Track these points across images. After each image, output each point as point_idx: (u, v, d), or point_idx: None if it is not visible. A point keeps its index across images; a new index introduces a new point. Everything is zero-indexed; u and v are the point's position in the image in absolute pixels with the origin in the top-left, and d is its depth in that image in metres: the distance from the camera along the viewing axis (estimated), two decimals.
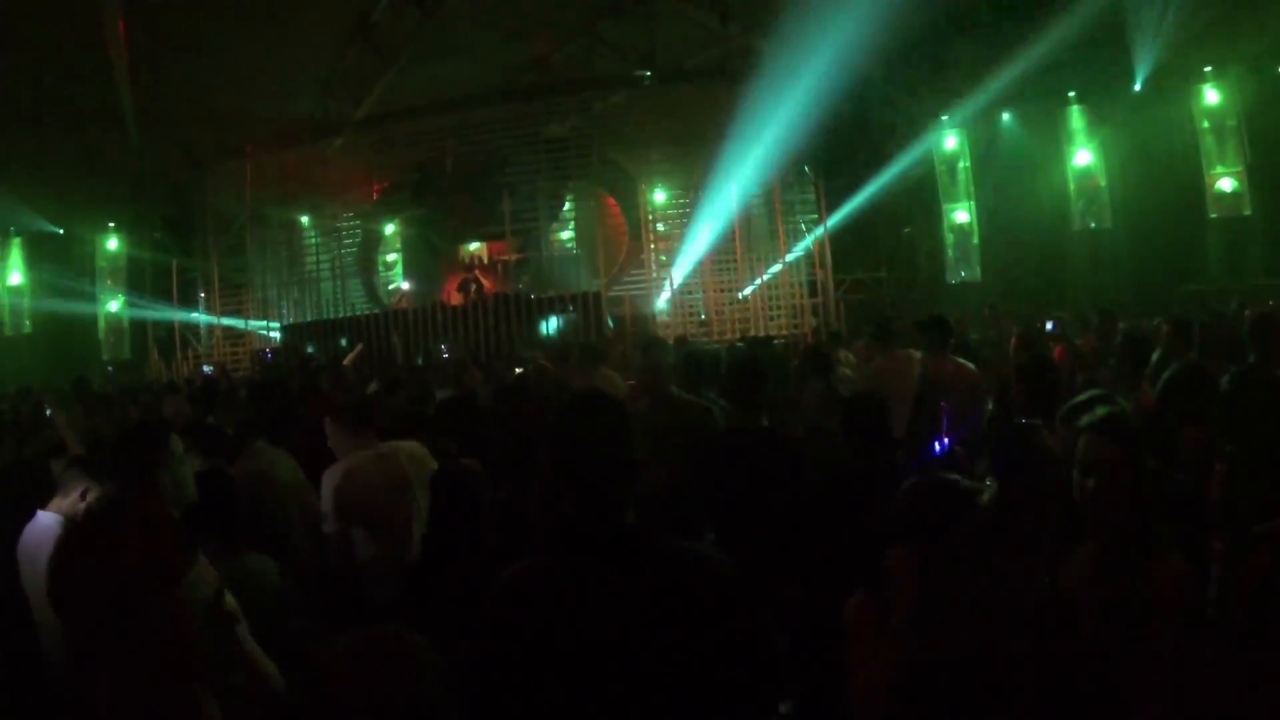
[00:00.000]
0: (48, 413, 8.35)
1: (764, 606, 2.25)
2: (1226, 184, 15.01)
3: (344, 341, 15.61)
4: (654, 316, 16.60)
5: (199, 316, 20.12)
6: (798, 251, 17.22)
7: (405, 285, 19.75)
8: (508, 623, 1.99)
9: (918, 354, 7.59)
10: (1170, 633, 2.38)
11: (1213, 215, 15.02)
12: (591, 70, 18.35)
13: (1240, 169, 14.97)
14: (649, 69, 17.66)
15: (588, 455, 2.03)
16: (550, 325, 15.12)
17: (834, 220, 16.75)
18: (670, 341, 10.42)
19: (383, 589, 4.55)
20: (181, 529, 1.63)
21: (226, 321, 19.83)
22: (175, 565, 1.59)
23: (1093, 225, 16.14)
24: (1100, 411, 2.73)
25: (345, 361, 11.50)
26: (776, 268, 17.20)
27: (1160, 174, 15.19)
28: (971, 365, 7.05)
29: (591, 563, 1.98)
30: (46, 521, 4.01)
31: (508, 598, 2.02)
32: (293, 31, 18.35)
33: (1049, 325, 11.58)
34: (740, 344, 12.35)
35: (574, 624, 1.94)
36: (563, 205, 18.82)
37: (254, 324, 19.73)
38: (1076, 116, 16.12)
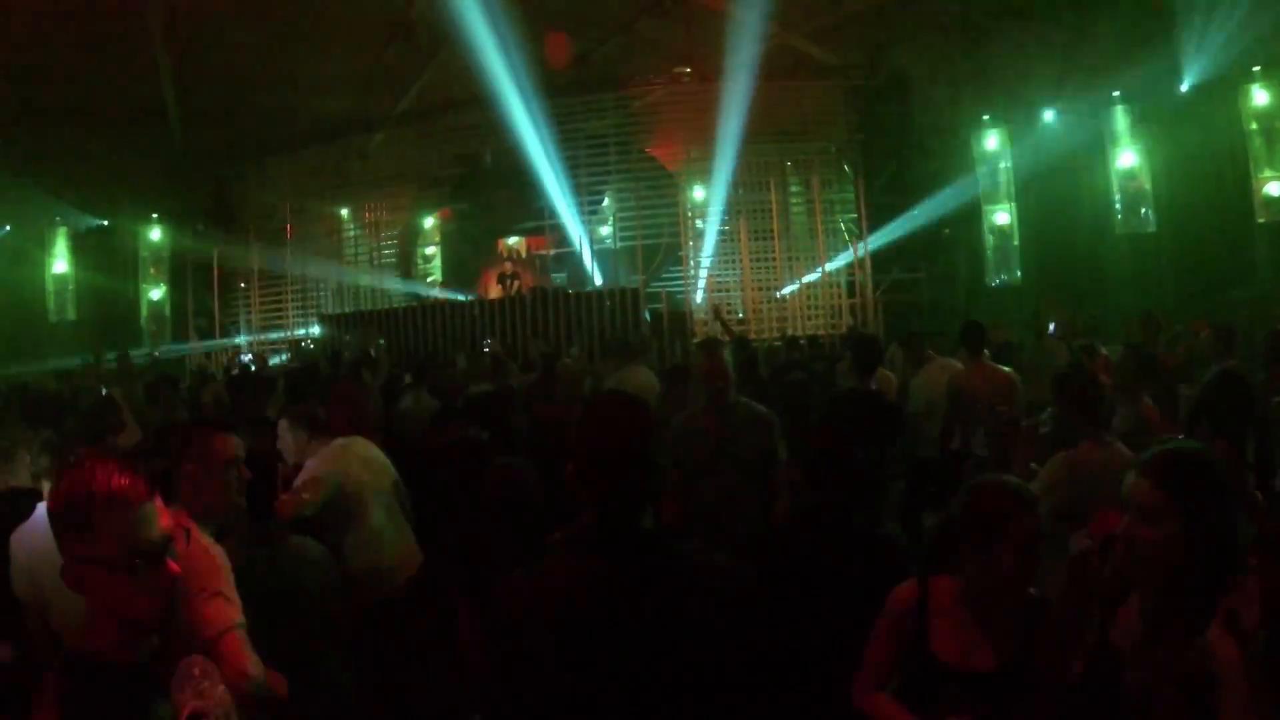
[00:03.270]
0: (103, 391, 8.48)
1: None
2: (1275, 188, 14.68)
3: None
4: (691, 314, 16.57)
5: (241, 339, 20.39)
6: (838, 262, 17.10)
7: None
8: (518, 620, 1.98)
9: (958, 364, 7.56)
10: (1233, 714, 2.06)
11: (1260, 220, 14.69)
12: (631, 67, 18.37)
13: None
14: (688, 67, 17.67)
15: (606, 458, 2.02)
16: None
17: (874, 220, 16.65)
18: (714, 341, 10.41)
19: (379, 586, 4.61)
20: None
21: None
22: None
23: (1136, 228, 15.90)
24: (1159, 448, 2.37)
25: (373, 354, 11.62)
26: (815, 276, 17.12)
27: (1206, 177, 14.91)
28: (1006, 370, 6.98)
29: (603, 565, 1.97)
30: None
31: (520, 596, 2.01)
32: (334, 27, 18.49)
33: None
34: (779, 343, 12.33)
35: (583, 625, 1.93)
36: (601, 201, 18.83)
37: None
38: (1121, 117, 15.88)
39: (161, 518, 1.79)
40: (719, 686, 1.91)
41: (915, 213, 16.65)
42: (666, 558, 2.01)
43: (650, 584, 1.94)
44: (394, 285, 19.72)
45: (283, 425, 4.65)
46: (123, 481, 1.74)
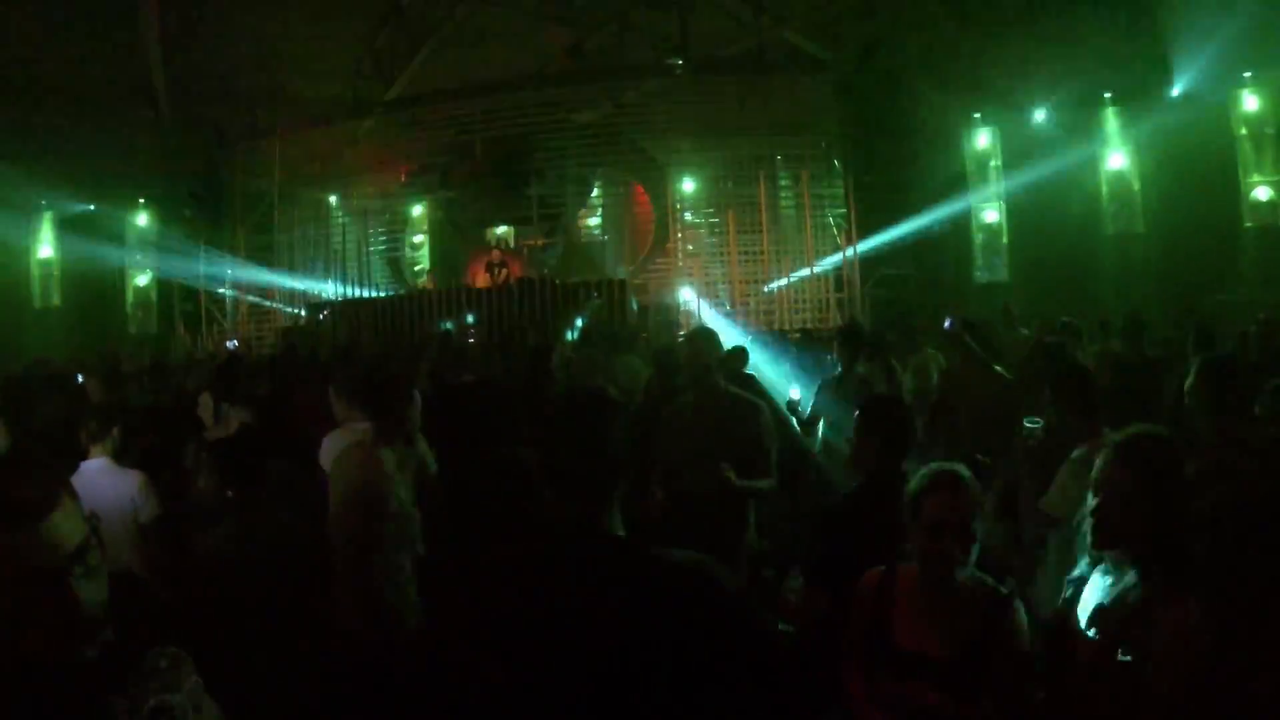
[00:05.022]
0: (79, 379, 8.47)
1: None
2: (1263, 193, 14.77)
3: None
4: (679, 305, 16.55)
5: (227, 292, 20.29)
6: (827, 263, 17.09)
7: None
8: (475, 612, 1.98)
9: (940, 355, 7.57)
10: (1169, 686, 2.14)
11: (1248, 224, 14.78)
12: (623, 58, 18.31)
13: (1278, 178, 14.74)
14: (681, 58, 17.61)
15: (565, 455, 2.01)
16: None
17: (863, 216, 16.64)
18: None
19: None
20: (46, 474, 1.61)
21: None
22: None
23: (1124, 229, 15.96)
24: (1129, 431, 2.47)
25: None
26: (805, 273, 17.13)
27: (1195, 180, 14.95)
28: (997, 370, 6.99)
29: (558, 566, 1.95)
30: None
31: (476, 588, 2.01)
32: (325, 12, 18.39)
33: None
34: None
35: (535, 619, 1.91)
36: (590, 192, 18.78)
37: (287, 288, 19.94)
38: (1111, 118, 15.93)
39: (62, 536, 1.56)
40: (672, 701, 1.85)
41: (904, 209, 16.68)
42: (629, 562, 1.96)
43: (605, 589, 1.90)
44: (380, 272, 19.65)
45: (331, 391, 4.98)
46: (22, 494, 1.54)
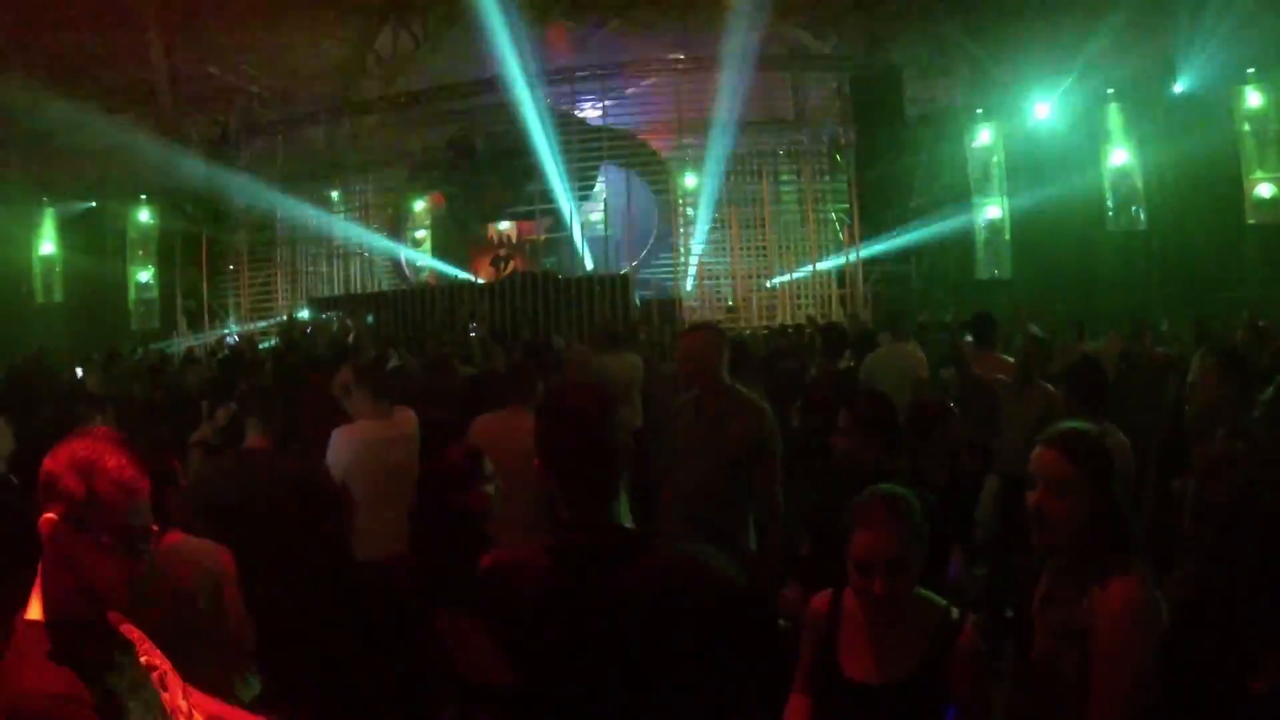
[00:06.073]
0: (79, 374, 8.49)
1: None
2: (1266, 189, 14.70)
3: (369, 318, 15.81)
4: (681, 301, 16.53)
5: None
6: (830, 261, 17.08)
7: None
8: (491, 609, 2.00)
9: (919, 350, 7.55)
10: (1108, 663, 2.18)
11: (1251, 221, 14.73)
12: (626, 53, 18.30)
13: None
14: (682, 53, 17.61)
15: (565, 452, 2.01)
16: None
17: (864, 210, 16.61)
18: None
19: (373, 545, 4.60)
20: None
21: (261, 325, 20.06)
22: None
23: (1127, 227, 15.92)
24: (1063, 425, 2.50)
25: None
26: (806, 271, 17.12)
27: (1198, 177, 14.92)
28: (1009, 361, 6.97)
29: (569, 559, 1.97)
30: None
31: (491, 586, 2.02)
32: (327, 7, 18.39)
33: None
34: (765, 332, 12.33)
35: (548, 615, 1.93)
36: (593, 186, 18.76)
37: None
38: (1114, 115, 15.88)
39: (149, 515, 1.81)
40: (683, 696, 1.87)
41: (906, 205, 16.66)
42: (635, 554, 1.97)
43: (611, 579, 1.91)
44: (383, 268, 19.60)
45: (355, 387, 4.92)
46: (132, 469, 1.79)
